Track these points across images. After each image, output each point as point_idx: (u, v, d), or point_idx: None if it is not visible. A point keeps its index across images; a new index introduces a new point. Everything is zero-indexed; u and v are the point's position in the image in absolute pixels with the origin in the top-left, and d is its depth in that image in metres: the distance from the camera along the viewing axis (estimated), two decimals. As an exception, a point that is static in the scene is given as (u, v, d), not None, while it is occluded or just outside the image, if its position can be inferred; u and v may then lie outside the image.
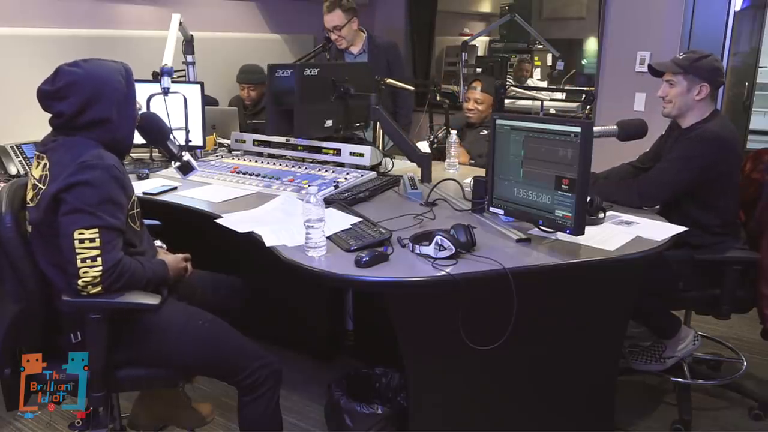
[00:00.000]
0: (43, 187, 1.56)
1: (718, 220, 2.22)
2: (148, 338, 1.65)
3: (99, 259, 1.49)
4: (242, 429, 1.77)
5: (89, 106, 1.59)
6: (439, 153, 2.98)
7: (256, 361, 1.71)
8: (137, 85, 1.72)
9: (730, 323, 2.55)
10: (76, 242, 1.49)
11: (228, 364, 1.72)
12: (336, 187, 2.30)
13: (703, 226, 2.20)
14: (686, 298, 2.28)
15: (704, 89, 2.19)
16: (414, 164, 2.51)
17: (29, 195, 1.62)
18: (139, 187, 2.26)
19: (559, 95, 4.22)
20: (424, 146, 2.83)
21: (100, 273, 1.49)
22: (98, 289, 1.50)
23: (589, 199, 1.87)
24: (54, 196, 1.52)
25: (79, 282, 1.49)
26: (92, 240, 1.49)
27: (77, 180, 1.51)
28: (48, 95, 1.59)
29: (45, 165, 1.59)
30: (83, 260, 1.48)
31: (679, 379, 2.40)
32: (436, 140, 3.11)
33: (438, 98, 3.15)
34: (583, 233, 1.73)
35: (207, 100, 2.99)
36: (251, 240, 1.84)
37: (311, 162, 2.64)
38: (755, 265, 2.16)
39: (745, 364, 2.58)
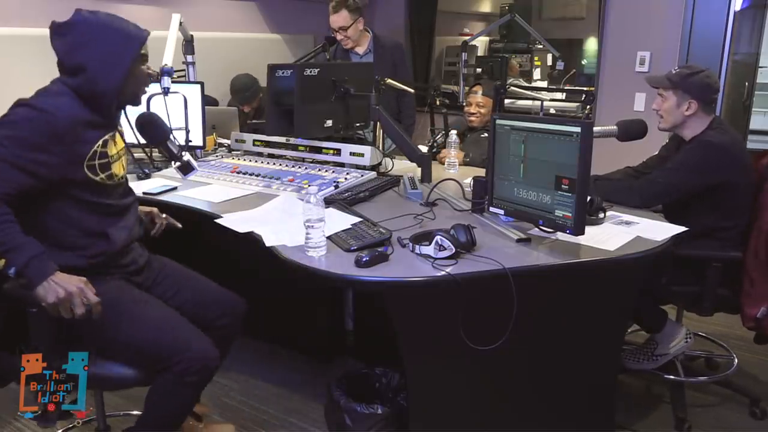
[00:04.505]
0: None
1: (730, 224, 2.22)
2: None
3: None
4: (146, 404, 1.69)
5: (76, 50, 1.59)
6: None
7: (187, 351, 1.62)
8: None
9: (724, 321, 2.58)
10: None
11: (153, 351, 1.62)
12: (336, 187, 2.30)
13: (716, 230, 2.21)
14: (670, 292, 2.30)
15: (693, 105, 2.20)
16: (414, 164, 2.51)
17: None
18: (139, 188, 2.26)
19: (559, 95, 4.22)
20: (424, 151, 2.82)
21: None
22: None
23: (589, 199, 1.87)
24: None
25: None
26: None
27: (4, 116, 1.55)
28: (53, 29, 1.61)
29: None
30: None
31: (671, 376, 2.43)
32: (436, 145, 3.11)
33: (438, 103, 3.14)
34: (583, 233, 1.73)
35: (207, 100, 2.99)
36: (251, 240, 1.83)
37: (311, 162, 2.64)
38: (740, 263, 2.16)
39: (736, 361, 2.60)
